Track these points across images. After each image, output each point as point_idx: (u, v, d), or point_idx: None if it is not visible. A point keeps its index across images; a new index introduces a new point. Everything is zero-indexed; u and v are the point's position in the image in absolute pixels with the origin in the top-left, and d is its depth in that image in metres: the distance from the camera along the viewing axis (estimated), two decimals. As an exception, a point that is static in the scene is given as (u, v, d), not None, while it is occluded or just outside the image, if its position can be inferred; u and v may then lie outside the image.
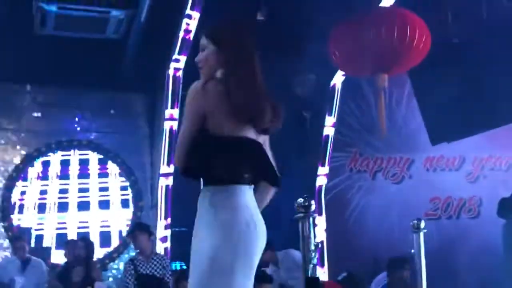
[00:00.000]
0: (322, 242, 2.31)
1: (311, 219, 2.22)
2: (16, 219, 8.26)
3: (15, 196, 8.31)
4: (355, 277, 6.06)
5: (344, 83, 8.93)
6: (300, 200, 2.25)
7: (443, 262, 7.61)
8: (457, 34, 7.35)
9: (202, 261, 2.15)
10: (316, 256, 2.16)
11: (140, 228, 5.69)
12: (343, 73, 8.45)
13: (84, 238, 6.96)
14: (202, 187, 2.32)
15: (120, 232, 8.58)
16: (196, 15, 6.94)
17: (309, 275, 2.13)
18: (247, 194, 2.27)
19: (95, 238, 8.06)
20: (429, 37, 6.44)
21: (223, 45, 2.43)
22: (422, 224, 3.60)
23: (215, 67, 2.43)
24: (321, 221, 8.42)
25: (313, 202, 2.25)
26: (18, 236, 7.47)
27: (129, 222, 8.58)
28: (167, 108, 7.94)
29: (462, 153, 9.33)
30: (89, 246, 6.31)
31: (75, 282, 5.80)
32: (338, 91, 9.00)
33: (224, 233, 2.16)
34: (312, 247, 2.18)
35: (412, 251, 3.63)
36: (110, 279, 8.31)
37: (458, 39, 7.39)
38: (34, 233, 8.25)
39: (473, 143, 8.68)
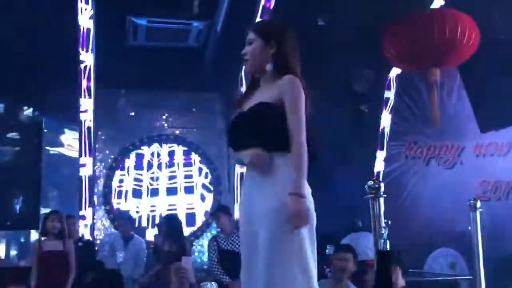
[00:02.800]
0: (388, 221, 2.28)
1: (381, 199, 2.19)
2: (116, 203, 8.56)
3: (114, 184, 8.61)
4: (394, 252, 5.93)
5: (398, 77, 8.75)
6: (371, 182, 2.23)
7: (494, 241, 7.34)
8: (502, 31, 7.06)
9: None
10: (387, 232, 2.14)
11: (222, 210, 5.76)
12: (398, 69, 8.27)
13: (169, 216, 7.02)
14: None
15: (206, 212, 8.74)
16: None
17: (381, 248, 2.11)
18: None
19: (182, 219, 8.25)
20: (477, 34, 6.21)
21: (270, 39, 2.34)
22: (478, 204, 3.48)
23: (261, 60, 2.35)
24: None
25: (382, 184, 2.22)
26: (125, 216, 7.72)
27: (211, 205, 8.74)
28: (240, 104, 7.99)
29: (510, 139, 8.94)
30: (174, 223, 6.31)
31: (166, 251, 5.90)
32: (393, 85, 8.82)
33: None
34: (383, 224, 2.16)
35: (469, 228, 3.52)
36: (196, 253, 8.49)
37: (504, 35, 7.10)
38: (132, 215, 8.53)
39: (521, 130, 8.32)
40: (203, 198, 8.85)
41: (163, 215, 7.91)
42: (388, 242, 2.10)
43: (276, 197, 2.13)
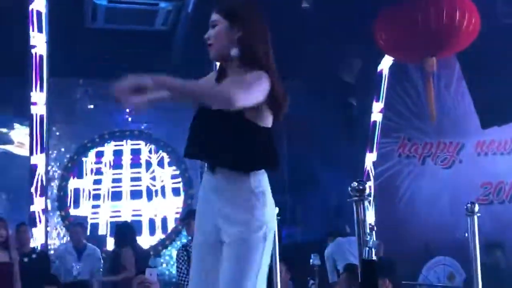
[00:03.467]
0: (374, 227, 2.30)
1: (365, 202, 2.23)
2: (72, 208, 8.50)
3: (70, 186, 8.55)
4: (388, 261, 6.04)
5: (391, 68, 8.83)
6: (355, 183, 2.26)
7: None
8: (507, 14, 7.17)
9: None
10: (372, 239, 2.17)
11: (193, 216, 5.75)
12: (390, 58, 8.35)
13: (119, 224, 7.05)
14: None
15: (175, 219, 8.74)
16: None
17: (365, 257, 2.15)
18: None
19: (146, 226, 8.27)
20: (478, 18, 6.31)
21: (236, 20, 2.32)
22: (476, 208, 3.55)
23: (226, 43, 2.34)
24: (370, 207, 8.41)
25: (367, 185, 2.26)
26: (75, 223, 7.67)
27: (180, 210, 8.74)
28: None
29: (515, 136, 9.10)
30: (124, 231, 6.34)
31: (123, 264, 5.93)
32: (385, 76, 8.90)
33: None
34: (367, 230, 2.19)
35: (466, 234, 3.59)
36: (164, 265, 8.48)
37: (509, 19, 7.21)
38: (89, 222, 8.48)
39: (526, 126, 8.46)
40: (171, 202, 8.83)
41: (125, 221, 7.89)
42: (373, 250, 2.14)
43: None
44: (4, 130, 8.44)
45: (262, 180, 2.30)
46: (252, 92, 2.20)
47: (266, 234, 2.22)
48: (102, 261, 6.98)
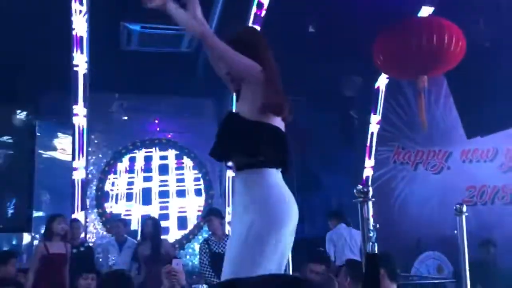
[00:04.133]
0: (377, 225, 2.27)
1: (369, 203, 2.21)
2: (109, 206, 8.52)
3: (107, 187, 8.58)
4: (387, 255, 5.93)
5: (387, 84, 8.80)
6: (360, 187, 2.24)
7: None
8: (489, 39, 7.12)
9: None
10: (375, 235, 2.15)
11: (214, 213, 5.75)
12: (387, 76, 8.32)
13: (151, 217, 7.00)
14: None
15: (197, 217, 8.73)
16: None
17: (369, 251, 2.13)
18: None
19: (173, 222, 8.26)
20: (464, 42, 6.27)
21: (243, 50, 2.29)
22: (464, 208, 3.49)
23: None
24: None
25: (371, 188, 2.23)
26: (117, 219, 7.66)
27: (202, 208, 8.74)
28: (232, 110, 8.01)
29: (495, 145, 9.02)
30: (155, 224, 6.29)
31: (145, 255, 5.90)
32: (381, 92, 8.87)
33: None
34: (371, 227, 2.17)
35: (455, 232, 3.54)
36: (187, 256, 8.47)
37: (489, 43, 7.16)
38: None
39: (505, 136, 8.39)
40: (194, 202, 8.83)
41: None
42: (376, 245, 2.12)
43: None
44: (50, 138, 8.50)
45: (265, 176, 2.19)
46: (224, 49, 2.21)
47: (269, 231, 2.09)
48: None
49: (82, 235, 6.37)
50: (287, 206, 2.18)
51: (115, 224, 7.06)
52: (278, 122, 2.28)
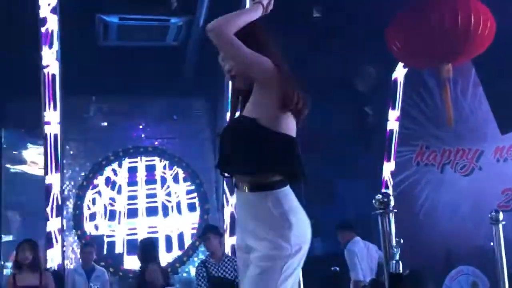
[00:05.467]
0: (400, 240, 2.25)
1: (391, 214, 2.20)
2: (88, 227, 8.51)
3: (86, 205, 8.57)
4: (418, 275, 5.87)
5: (406, 75, 8.80)
6: (379, 196, 2.23)
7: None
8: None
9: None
10: (399, 252, 2.14)
11: (211, 230, 5.75)
12: (404, 65, 8.32)
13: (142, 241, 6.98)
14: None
15: (191, 235, 8.72)
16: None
17: (393, 271, 2.12)
18: None
19: (162, 243, 8.25)
20: (494, 23, 6.28)
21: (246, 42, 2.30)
22: (501, 216, 3.50)
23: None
24: (388, 217, 8.32)
25: (392, 197, 2.22)
26: (86, 243, 7.65)
27: (197, 225, 8.73)
28: (227, 111, 8.03)
29: (535, 141, 9.01)
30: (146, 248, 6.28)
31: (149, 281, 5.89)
32: (400, 84, 8.87)
33: None
34: (394, 243, 2.16)
35: (491, 243, 3.54)
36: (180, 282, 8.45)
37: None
38: (106, 240, 8.49)
39: (546, 130, 8.38)
40: (188, 218, 8.82)
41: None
42: (400, 263, 2.11)
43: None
44: (18, 150, 8.50)
45: (282, 199, 2.23)
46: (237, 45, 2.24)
47: (285, 262, 2.15)
48: (109, 283, 6.96)
49: (57, 261, 6.34)
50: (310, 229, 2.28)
51: (86, 250, 7.02)
52: (294, 125, 2.34)
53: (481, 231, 7.62)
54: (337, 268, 6.07)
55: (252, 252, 2.24)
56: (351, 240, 6.08)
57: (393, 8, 6.57)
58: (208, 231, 5.76)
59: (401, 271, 2.11)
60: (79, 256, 8.24)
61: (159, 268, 6.07)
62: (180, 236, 8.75)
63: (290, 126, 2.31)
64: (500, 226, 3.54)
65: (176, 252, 8.64)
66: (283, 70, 2.30)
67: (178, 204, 8.85)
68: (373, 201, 2.25)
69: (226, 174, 2.39)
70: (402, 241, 2.14)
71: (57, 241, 6.66)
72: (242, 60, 2.29)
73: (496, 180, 8.86)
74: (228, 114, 8.27)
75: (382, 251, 2.23)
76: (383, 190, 8.41)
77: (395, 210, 2.21)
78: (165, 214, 8.76)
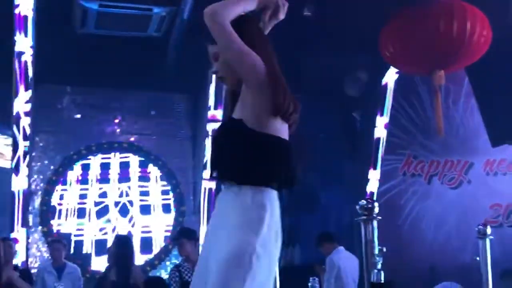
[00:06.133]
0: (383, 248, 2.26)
1: (374, 222, 2.22)
2: (56, 224, 8.46)
3: (54, 201, 8.52)
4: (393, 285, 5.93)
5: (397, 81, 8.86)
6: (363, 202, 2.26)
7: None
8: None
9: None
10: (381, 261, 2.16)
11: (185, 234, 5.74)
12: (396, 70, 8.39)
13: (120, 237, 6.93)
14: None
15: (165, 238, 8.70)
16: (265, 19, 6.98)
17: (374, 280, 2.14)
18: None
19: (136, 244, 8.19)
20: (489, 31, 6.35)
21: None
22: (488, 230, 3.55)
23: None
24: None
25: (376, 204, 2.25)
26: (55, 239, 7.60)
27: (171, 228, 8.71)
28: (209, 109, 8.04)
29: (526, 155, 9.13)
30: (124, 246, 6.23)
31: (111, 281, 5.86)
32: (390, 90, 8.93)
33: None
34: (376, 251, 2.18)
35: (477, 258, 3.58)
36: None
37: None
38: (73, 239, 8.43)
39: (538, 145, 8.49)
40: (162, 219, 8.80)
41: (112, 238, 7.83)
42: (382, 273, 2.13)
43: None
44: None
45: (262, 199, 2.25)
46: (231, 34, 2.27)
47: (250, 259, 2.14)
48: (81, 281, 6.93)
49: (22, 258, 6.30)
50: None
51: (56, 246, 6.99)
52: (284, 129, 2.37)
53: (467, 246, 7.71)
54: (316, 278, 6.10)
55: (213, 251, 2.26)
56: (334, 251, 6.16)
57: (386, 12, 6.61)
58: (182, 235, 5.75)
59: (382, 281, 2.13)
60: (44, 254, 8.23)
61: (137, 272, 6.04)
62: (153, 239, 8.73)
63: (279, 127, 2.33)
64: (487, 240, 3.58)
65: (147, 255, 8.60)
66: (273, 72, 2.31)
67: (152, 205, 8.82)
68: (357, 207, 2.28)
69: (214, 176, 2.41)
70: (384, 249, 2.17)
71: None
72: (233, 48, 2.29)
73: (485, 194, 8.98)
74: (210, 112, 8.24)
75: (364, 260, 2.25)
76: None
77: (379, 218, 2.23)
78: (138, 214, 8.73)
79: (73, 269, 6.83)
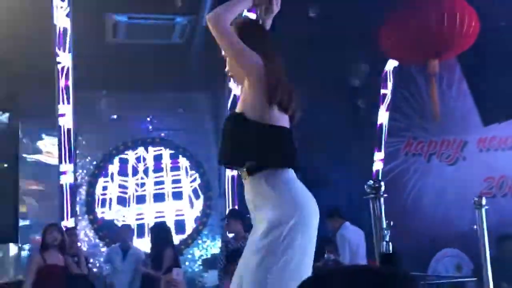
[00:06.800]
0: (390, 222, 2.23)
1: (381, 199, 2.20)
2: (100, 212, 8.52)
3: (97, 191, 8.57)
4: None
5: (396, 71, 8.78)
6: (371, 182, 2.23)
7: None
8: (504, 17, 7.11)
9: None
10: (389, 234, 2.14)
11: (231, 215, 5.76)
12: (394, 61, 8.31)
13: (156, 224, 6.95)
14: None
15: (195, 219, 8.73)
16: (252, 16, 6.96)
17: (384, 251, 2.12)
18: None
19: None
20: (478, 22, 6.26)
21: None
22: (484, 201, 3.50)
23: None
24: (379, 203, 8.34)
25: (382, 183, 2.22)
26: (125, 225, 7.63)
27: (200, 211, 8.74)
28: (228, 105, 8.02)
29: (514, 132, 9.00)
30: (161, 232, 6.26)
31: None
32: (390, 79, 8.86)
33: None
34: (384, 225, 2.16)
35: (475, 227, 3.54)
36: (187, 263, 8.46)
37: (505, 22, 7.15)
38: (117, 224, 8.49)
39: (525, 122, 8.37)
40: (192, 204, 8.83)
41: (151, 224, 7.88)
42: (390, 244, 2.11)
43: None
44: (34, 141, 8.48)
45: (275, 180, 2.22)
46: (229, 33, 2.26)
47: (282, 231, 2.11)
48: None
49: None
50: (313, 200, 2.28)
51: (123, 230, 7.06)
52: (285, 120, 2.31)
53: (465, 216, 7.63)
54: (331, 256, 6.01)
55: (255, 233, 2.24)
56: (342, 226, 6.05)
57: (385, 4, 6.53)
58: (229, 216, 5.80)
59: (391, 251, 2.11)
60: (92, 239, 8.31)
61: (173, 251, 6.06)
62: (185, 221, 8.76)
63: (279, 118, 2.29)
64: (483, 210, 3.54)
65: (181, 236, 8.64)
66: (271, 69, 2.28)
67: (183, 191, 8.85)
68: (365, 187, 2.25)
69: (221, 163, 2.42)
70: (392, 223, 2.15)
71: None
72: (233, 50, 2.28)
73: (479, 169, 8.87)
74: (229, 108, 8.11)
75: (374, 233, 2.23)
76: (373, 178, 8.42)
77: (386, 195, 2.21)
78: (171, 200, 8.76)
79: (137, 251, 6.87)
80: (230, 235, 5.69)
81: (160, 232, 6.12)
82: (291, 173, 2.27)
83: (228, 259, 5.27)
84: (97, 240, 8.33)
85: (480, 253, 3.54)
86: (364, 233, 5.94)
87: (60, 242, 5.31)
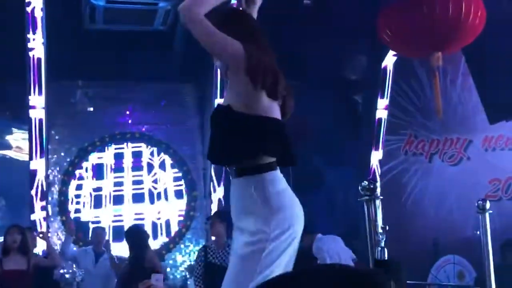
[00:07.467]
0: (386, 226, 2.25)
1: (377, 201, 2.22)
2: (73, 213, 8.49)
3: (71, 191, 8.54)
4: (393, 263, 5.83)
5: (395, 63, 8.81)
6: (365, 183, 2.25)
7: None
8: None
9: None
10: (384, 239, 2.16)
11: (217, 216, 5.76)
12: (394, 53, 8.34)
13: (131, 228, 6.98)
14: None
15: (178, 222, 8.72)
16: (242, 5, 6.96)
17: (378, 258, 2.14)
18: None
19: (149, 230, 8.23)
20: (484, 12, 6.29)
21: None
22: (488, 205, 3.52)
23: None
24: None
25: (378, 184, 2.24)
26: (100, 227, 7.61)
27: (184, 213, 8.73)
28: (216, 97, 8.02)
29: (523, 131, 9.07)
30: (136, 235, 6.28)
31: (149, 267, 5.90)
32: (390, 72, 8.88)
33: None
34: (379, 230, 2.18)
35: (478, 232, 3.57)
36: (168, 269, 8.45)
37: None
38: (91, 226, 8.46)
39: (535, 120, 8.44)
40: (174, 205, 8.82)
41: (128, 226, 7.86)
42: (386, 250, 2.13)
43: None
44: (2, 134, 8.44)
45: (266, 183, 2.25)
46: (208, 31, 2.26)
47: (264, 246, 2.18)
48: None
49: (42, 247, 6.33)
50: (300, 210, 2.36)
51: (98, 232, 7.04)
52: (275, 110, 2.31)
53: (468, 220, 7.70)
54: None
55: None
56: (314, 240, 6.13)
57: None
58: (214, 216, 5.80)
59: (386, 258, 2.13)
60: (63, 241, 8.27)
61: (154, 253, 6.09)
62: (167, 223, 8.75)
63: (269, 107, 2.31)
64: (487, 215, 3.57)
65: (162, 239, 8.63)
66: (250, 57, 2.29)
67: (165, 191, 8.83)
68: (359, 188, 2.27)
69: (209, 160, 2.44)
70: (387, 227, 2.16)
71: (41, 227, 6.67)
72: (210, 41, 2.29)
73: (484, 169, 8.93)
74: (216, 101, 8.21)
75: (368, 238, 2.25)
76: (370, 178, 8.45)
77: (381, 197, 2.23)
78: (152, 201, 8.75)
79: (111, 255, 6.85)
80: (213, 238, 5.70)
81: (138, 235, 6.12)
82: (278, 176, 2.28)
83: (206, 271, 5.30)
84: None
85: (483, 261, 3.57)
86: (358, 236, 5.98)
87: (20, 244, 5.31)
